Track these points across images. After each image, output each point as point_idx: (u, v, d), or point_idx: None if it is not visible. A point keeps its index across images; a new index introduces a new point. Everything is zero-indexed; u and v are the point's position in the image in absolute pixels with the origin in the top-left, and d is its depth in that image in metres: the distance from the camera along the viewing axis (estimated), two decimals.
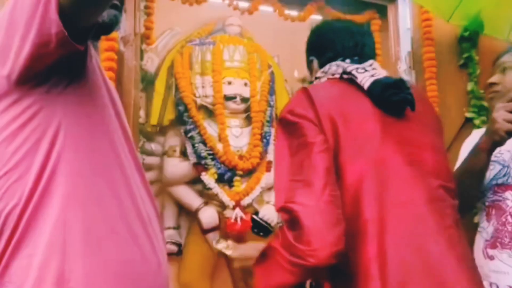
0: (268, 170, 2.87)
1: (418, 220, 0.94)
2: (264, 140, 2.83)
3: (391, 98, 1.00)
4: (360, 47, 1.13)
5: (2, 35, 0.77)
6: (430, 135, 1.09)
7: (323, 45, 1.15)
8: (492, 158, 1.40)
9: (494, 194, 1.41)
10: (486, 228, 1.42)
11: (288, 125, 0.98)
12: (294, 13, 2.36)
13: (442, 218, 0.97)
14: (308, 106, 0.96)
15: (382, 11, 2.39)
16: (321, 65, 1.14)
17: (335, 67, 1.08)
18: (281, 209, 0.91)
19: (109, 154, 0.83)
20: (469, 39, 2.05)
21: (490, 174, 1.42)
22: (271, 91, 3.01)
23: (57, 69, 0.77)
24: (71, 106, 0.80)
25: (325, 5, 2.32)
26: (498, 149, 1.40)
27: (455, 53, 2.14)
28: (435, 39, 2.16)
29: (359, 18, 2.41)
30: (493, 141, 1.30)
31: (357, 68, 1.05)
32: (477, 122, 2.08)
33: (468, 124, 2.10)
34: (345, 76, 1.06)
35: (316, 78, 1.14)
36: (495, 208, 1.40)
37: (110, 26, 0.96)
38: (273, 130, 2.94)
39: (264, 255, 0.95)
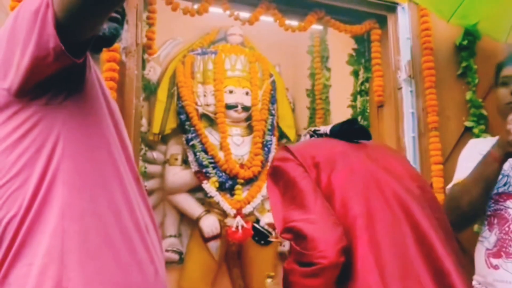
0: None
1: (403, 209, 1.03)
2: (265, 149, 2.85)
3: (350, 128, 1.19)
4: None
5: (4, 49, 0.79)
6: (391, 154, 1.24)
7: None
8: None
9: (496, 203, 1.41)
10: (488, 238, 1.41)
11: (273, 173, 1.12)
12: (294, 23, 2.37)
13: (424, 209, 1.05)
14: (286, 152, 1.11)
15: (382, 21, 2.41)
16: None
17: (303, 137, 1.30)
18: (283, 231, 0.99)
19: (107, 165, 0.85)
20: (467, 48, 2.06)
21: None
22: (273, 100, 3.03)
23: (55, 81, 0.79)
24: (69, 117, 0.82)
25: (325, 15, 2.33)
26: None
27: (454, 62, 2.14)
28: (434, 48, 2.17)
29: (359, 28, 2.43)
30: (506, 152, 1.31)
31: (320, 127, 1.27)
32: (476, 131, 2.08)
33: (467, 133, 2.10)
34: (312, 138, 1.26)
35: None
36: (497, 217, 1.40)
37: (111, 39, 0.98)
38: (274, 139, 2.96)
39: (285, 283, 1.00)
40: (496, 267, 1.37)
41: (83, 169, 0.82)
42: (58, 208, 0.78)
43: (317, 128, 1.24)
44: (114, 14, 0.98)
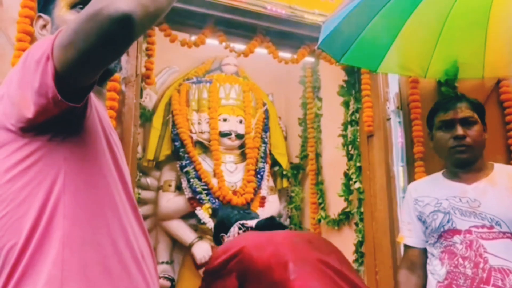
0: (261, 205, 2.91)
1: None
2: (258, 176, 2.90)
3: (271, 222, 1.63)
4: (247, 212, 1.83)
5: (15, 90, 0.85)
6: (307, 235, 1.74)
7: (226, 225, 1.73)
8: (433, 208, 1.53)
9: (445, 240, 1.51)
10: (439, 271, 1.49)
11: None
12: (287, 55, 2.46)
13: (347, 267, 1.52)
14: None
15: None
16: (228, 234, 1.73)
17: (233, 229, 1.68)
18: None
19: (104, 197, 0.89)
20: (446, 83, 2.14)
21: (435, 223, 1.52)
22: (266, 128, 3.10)
23: (58, 120, 0.84)
24: (70, 153, 0.86)
25: (316, 49, 2.43)
26: (436, 200, 1.53)
27: (438, 95, 2.23)
28: (419, 81, 2.25)
29: None
30: None
31: (246, 217, 1.71)
32: None
33: None
34: (240, 231, 1.66)
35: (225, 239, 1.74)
36: (447, 253, 1.48)
37: (111, 72, 1.04)
38: (266, 166, 3.01)
39: None
40: None
41: (82, 202, 0.86)
42: (58, 238, 0.82)
43: (244, 223, 1.68)
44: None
